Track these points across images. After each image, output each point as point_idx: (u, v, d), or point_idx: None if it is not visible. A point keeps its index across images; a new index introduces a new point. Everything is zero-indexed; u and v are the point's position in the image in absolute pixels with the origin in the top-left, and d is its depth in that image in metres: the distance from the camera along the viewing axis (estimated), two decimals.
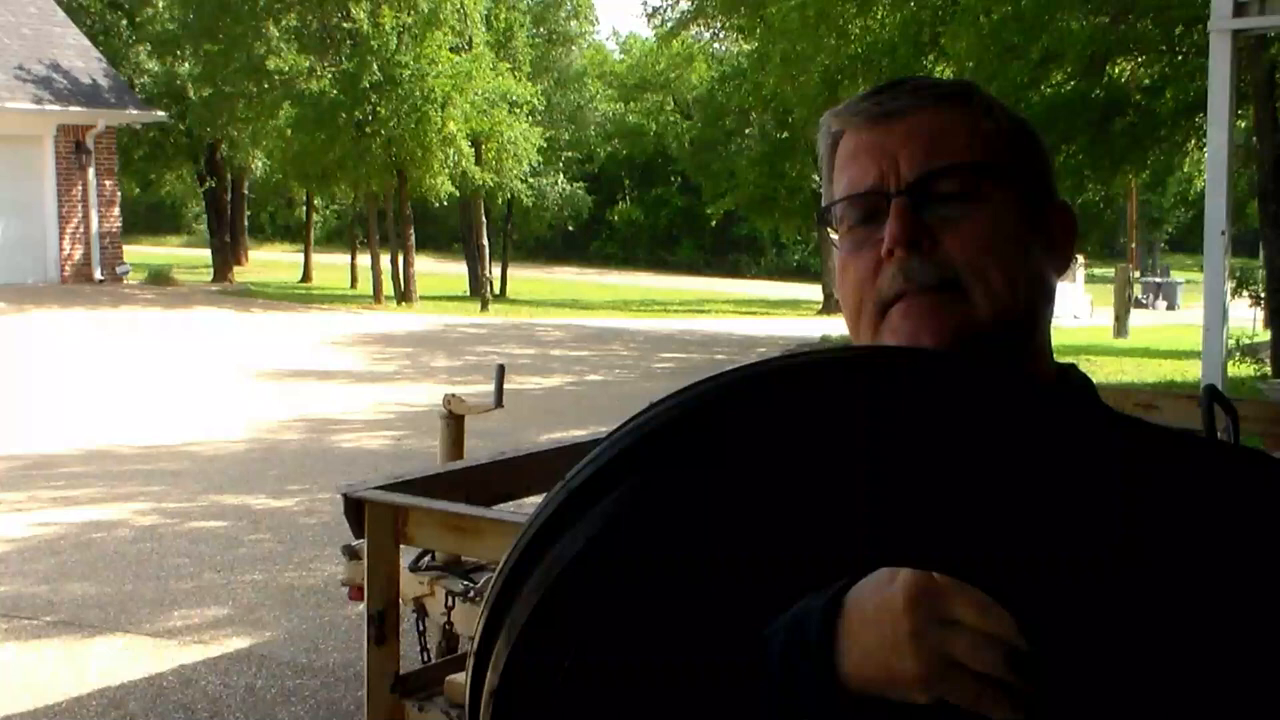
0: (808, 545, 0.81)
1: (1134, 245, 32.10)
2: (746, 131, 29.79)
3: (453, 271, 31.69)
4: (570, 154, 37.05)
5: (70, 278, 21.42)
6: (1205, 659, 0.83)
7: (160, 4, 27.57)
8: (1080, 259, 23.56)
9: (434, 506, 3.37)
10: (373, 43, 22.29)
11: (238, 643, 5.69)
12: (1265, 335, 13.87)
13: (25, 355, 14.70)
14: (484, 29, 26.15)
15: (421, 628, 4.08)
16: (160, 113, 23.82)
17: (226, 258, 29.04)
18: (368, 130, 22.57)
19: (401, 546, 3.50)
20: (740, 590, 0.82)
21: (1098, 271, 30.87)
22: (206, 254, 31.29)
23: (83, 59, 22.38)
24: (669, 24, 30.65)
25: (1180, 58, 13.71)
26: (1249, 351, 13.43)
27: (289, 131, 23.40)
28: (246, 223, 35.68)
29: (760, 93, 26.11)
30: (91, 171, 21.68)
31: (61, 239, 21.49)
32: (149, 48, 28.51)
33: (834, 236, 1.09)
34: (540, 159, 28.49)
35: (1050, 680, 0.79)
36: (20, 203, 20.99)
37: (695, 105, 35.61)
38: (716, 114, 30.91)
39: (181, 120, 26.77)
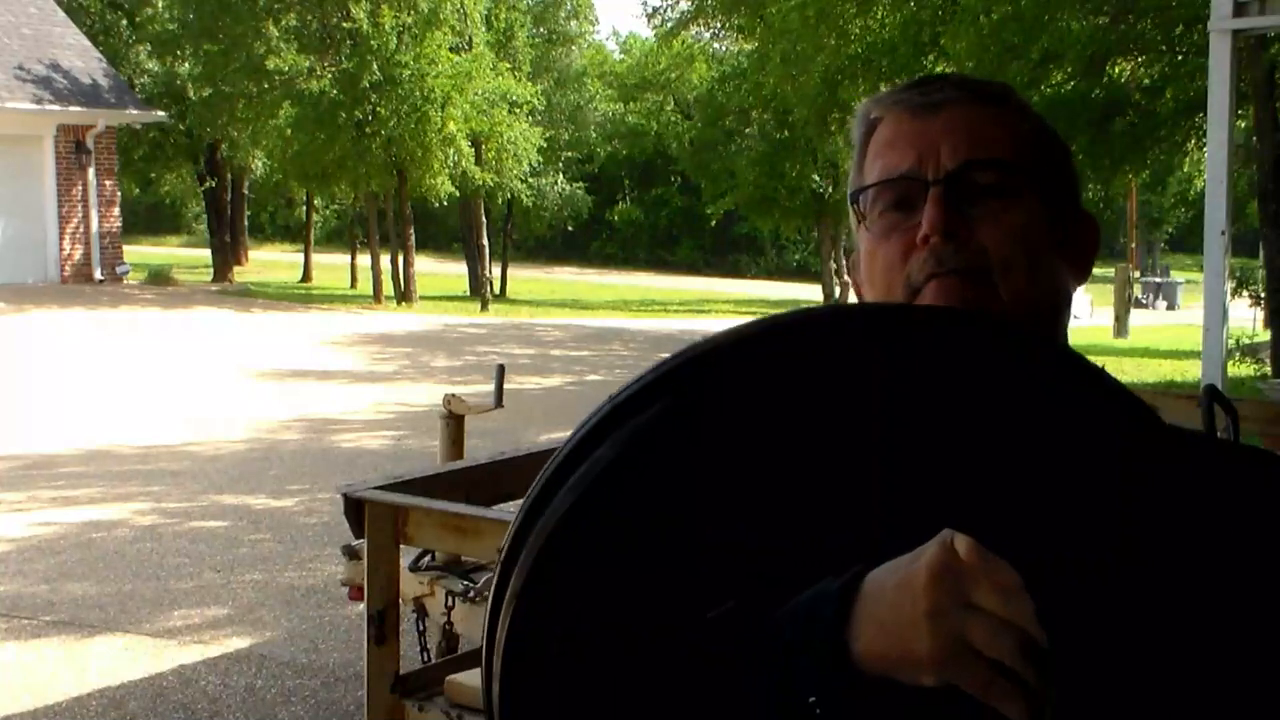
0: (826, 488, 0.85)
1: (1134, 245, 32.08)
2: (746, 131, 29.76)
3: (453, 271, 31.68)
4: (570, 154, 36.99)
5: (70, 278, 21.42)
6: (1205, 658, 0.83)
7: (160, 4, 27.54)
8: None
9: (434, 506, 3.37)
10: (372, 42, 22.27)
11: (237, 643, 5.69)
12: (1265, 335, 13.87)
13: (25, 355, 14.69)
14: (484, 29, 26.14)
15: (421, 628, 4.08)
16: (160, 113, 23.83)
17: (226, 258, 29.02)
18: (368, 130, 22.56)
19: (401, 546, 3.50)
20: (757, 525, 0.86)
21: (1098, 271, 30.18)
22: (206, 254, 31.27)
23: (83, 59, 22.38)
24: (669, 24, 30.61)
25: (1180, 58, 13.70)
26: (1249, 351, 13.43)
27: (289, 131, 23.37)
28: (246, 223, 35.64)
29: (760, 93, 26.13)
30: (91, 171, 21.68)
31: (61, 239, 21.49)
32: (149, 48, 28.49)
33: (854, 223, 1.12)
34: (540, 159, 28.46)
35: (1057, 679, 0.79)
36: (20, 203, 20.99)
37: (695, 105, 35.55)
38: (716, 114, 30.87)
39: (181, 120, 26.76)
